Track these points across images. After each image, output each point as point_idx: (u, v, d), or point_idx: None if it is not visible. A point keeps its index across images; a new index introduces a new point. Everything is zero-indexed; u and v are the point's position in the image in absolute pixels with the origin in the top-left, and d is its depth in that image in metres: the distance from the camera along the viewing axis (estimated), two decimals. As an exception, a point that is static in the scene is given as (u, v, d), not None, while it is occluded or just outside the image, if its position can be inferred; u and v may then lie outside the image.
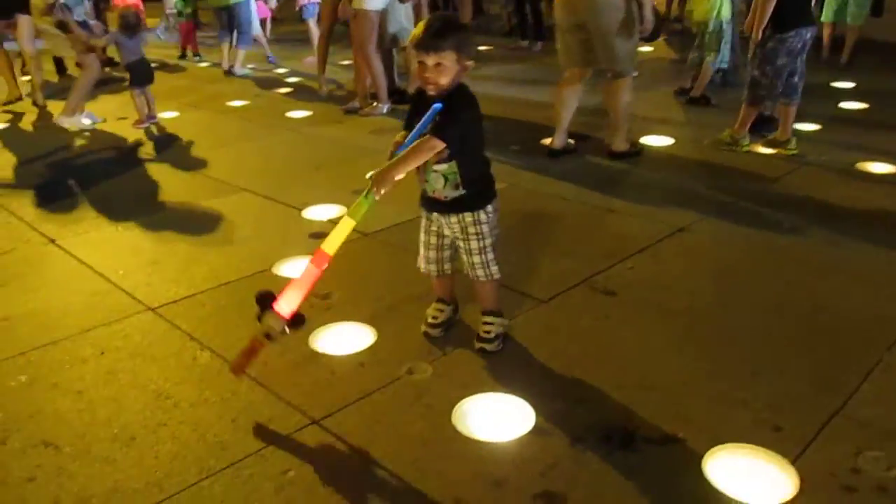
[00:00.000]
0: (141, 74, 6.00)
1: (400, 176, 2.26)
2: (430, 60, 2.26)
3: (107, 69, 8.94)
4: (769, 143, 4.90)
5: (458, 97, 2.34)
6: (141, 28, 6.16)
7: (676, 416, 2.21)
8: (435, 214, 2.54)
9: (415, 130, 2.31)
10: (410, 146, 2.28)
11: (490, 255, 2.53)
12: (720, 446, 2.06)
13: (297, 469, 2.03)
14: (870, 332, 2.66)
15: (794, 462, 2.00)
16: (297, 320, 2.30)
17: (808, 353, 2.54)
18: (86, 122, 6.16)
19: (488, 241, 2.51)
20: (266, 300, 2.30)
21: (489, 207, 2.49)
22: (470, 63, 2.33)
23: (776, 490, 1.92)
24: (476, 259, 2.53)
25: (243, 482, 1.99)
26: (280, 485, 1.97)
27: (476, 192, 2.46)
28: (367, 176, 2.28)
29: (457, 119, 2.31)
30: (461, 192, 2.43)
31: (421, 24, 2.32)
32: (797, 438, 2.10)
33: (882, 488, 1.91)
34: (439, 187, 2.43)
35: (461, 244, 2.54)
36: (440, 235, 2.58)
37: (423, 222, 2.61)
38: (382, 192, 2.23)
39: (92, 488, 1.98)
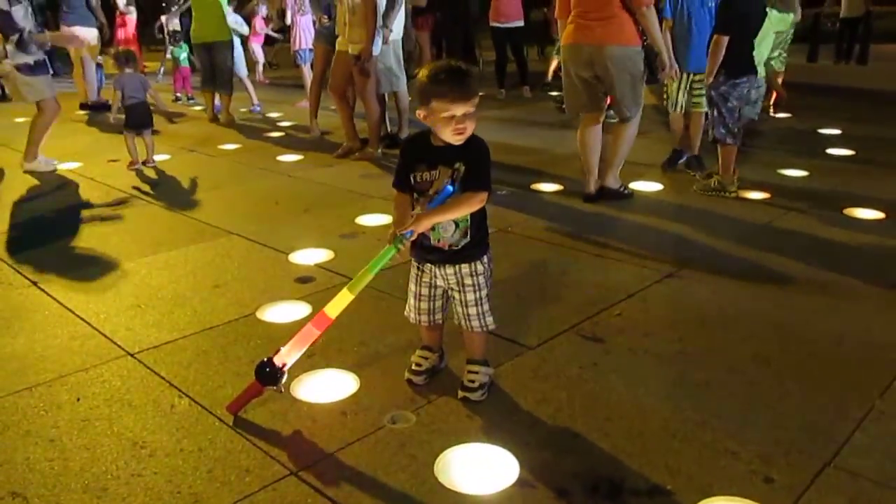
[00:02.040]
0: (137, 117, 6.00)
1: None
2: (465, 109, 2.23)
3: (81, 112, 9.04)
4: (705, 185, 5.04)
5: (477, 142, 2.35)
6: (136, 65, 6.16)
7: (665, 466, 2.15)
8: (428, 266, 2.49)
9: (434, 202, 2.31)
10: (459, 199, 2.29)
11: (486, 306, 2.49)
12: (709, 499, 2.01)
13: (272, 523, 1.96)
14: (861, 379, 2.62)
15: (785, 516, 1.95)
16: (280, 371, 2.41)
17: (800, 401, 2.50)
18: (51, 162, 6.15)
19: (484, 293, 2.47)
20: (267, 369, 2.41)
21: (485, 258, 2.46)
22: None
23: (767, 545, 1.86)
24: (472, 311, 2.49)
25: (216, 537, 1.92)
26: (254, 540, 1.90)
27: (478, 240, 2.43)
28: (391, 234, 2.33)
29: (486, 164, 2.35)
30: (467, 240, 2.40)
31: (442, 76, 2.24)
32: (789, 490, 2.04)
33: (876, 544, 1.86)
34: (447, 235, 2.38)
35: (456, 295, 2.50)
36: (433, 286, 2.53)
37: (414, 273, 2.55)
38: (412, 237, 2.30)
39: (59, 543, 1.91)
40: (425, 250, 2.45)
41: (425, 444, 2.28)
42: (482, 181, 2.32)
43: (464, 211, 2.33)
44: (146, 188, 5.53)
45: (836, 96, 9.09)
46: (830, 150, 6.18)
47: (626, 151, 4.88)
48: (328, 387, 2.64)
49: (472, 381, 2.53)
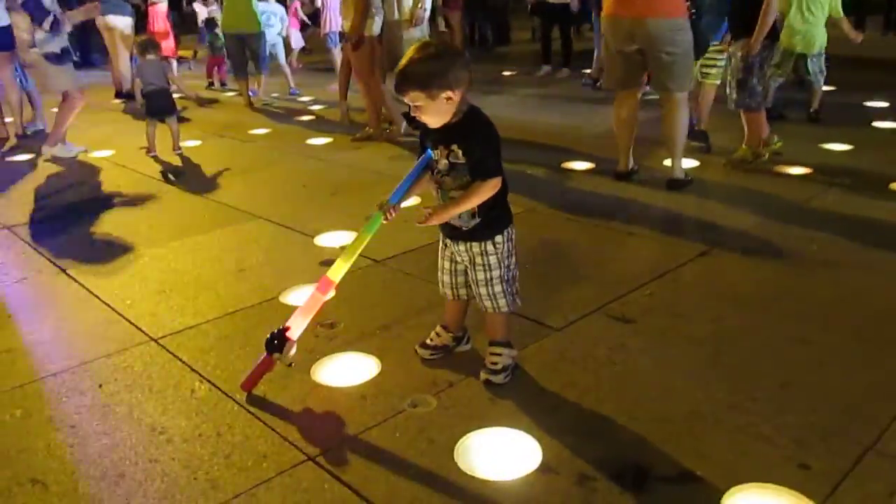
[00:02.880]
0: (156, 104, 5.98)
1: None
2: (410, 100, 2.23)
3: (117, 101, 9.14)
4: (740, 158, 4.90)
5: (471, 124, 2.27)
6: (157, 52, 6.15)
7: (695, 451, 2.06)
8: (448, 240, 2.47)
9: (406, 177, 2.36)
10: (469, 190, 2.26)
11: (497, 288, 2.41)
12: (741, 486, 1.91)
13: (288, 509, 1.92)
14: (906, 361, 2.49)
15: (822, 503, 1.84)
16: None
17: (840, 383, 2.38)
18: (73, 148, 6.22)
19: (495, 274, 2.40)
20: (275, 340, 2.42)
21: (498, 238, 2.38)
22: (452, 93, 2.18)
23: (803, 535, 1.76)
24: (482, 290, 2.43)
25: (231, 523, 1.89)
26: (269, 527, 1.87)
27: (489, 220, 2.36)
28: (378, 204, 2.34)
29: (486, 149, 2.26)
30: (477, 220, 2.34)
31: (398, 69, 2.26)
32: (826, 477, 1.94)
33: (921, 534, 1.75)
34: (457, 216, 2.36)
35: (469, 273, 2.45)
36: (453, 261, 2.50)
37: (440, 245, 2.54)
38: (397, 204, 2.34)
39: (75, 529, 1.90)
40: (447, 226, 2.42)
41: (445, 429, 2.22)
42: (484, 168, 2.25)
43: (476, 201, 2.27)
44: (176, 174, 5.54)
45: (883, 68, 8.75)
46: (877, 124, 5.94)
47: (685, 134, 4.58)
48: (349, 370, 2.59)
49: (495, 364, 2.46)
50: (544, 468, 2.04)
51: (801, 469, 1.98)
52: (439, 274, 2.57)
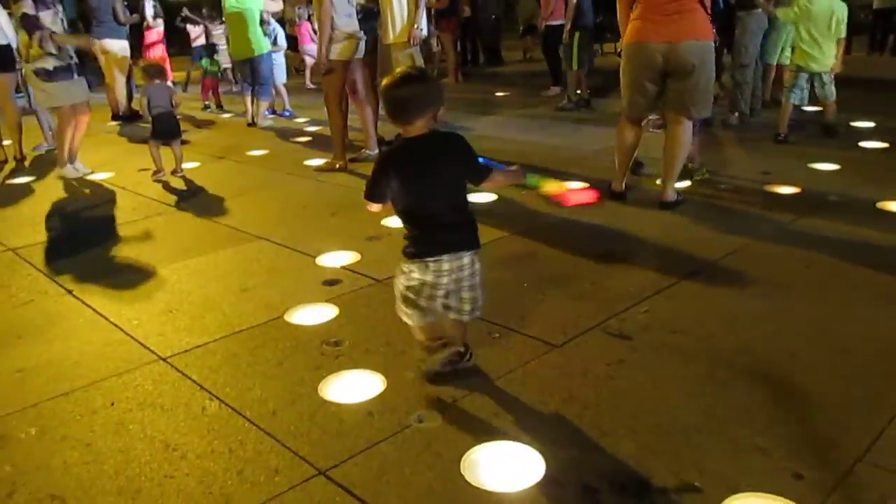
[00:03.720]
0: (163, 126, 6.08)
1: None
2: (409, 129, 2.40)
3: (113, 123, 9.21)
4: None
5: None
6: (163, 77, 6.26)
7: (693, 464, 2.14)
8: (451, 254, 2.47)
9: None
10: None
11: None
12: (737, 496, 1.99)
13: (301, 522, 1.99)
14: (894, 373, 2.58)
15: (816, 512, 1.93)
16: None
17: (831, 397, 2.46)
18: (80, 169, 6.29)
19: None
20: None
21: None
22: (438, 112, 2.44)
23: (798, 542, 1.84)
24: (476, 300, 2.60)
25: (247, 536, 1.95)
26: (284, 538, 1.93)
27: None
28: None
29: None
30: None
31: (385, 100, 2.41)
32: (819, 487, 2.02)
33: (910, 539, 1.83)
34: None
35: (459, 287, 2.54)
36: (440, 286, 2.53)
37: (428, 277, 2.49)
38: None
39: (95, 543, 1.96)
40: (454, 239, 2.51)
41: (452, 443, 2.29)
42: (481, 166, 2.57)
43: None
44: (177, 196, 5.61)
45: (869, 88, 8.92)
46: (863, 144, 6.08)
47: (684, 158, 4.68)
48: (355, 387, 2.66)
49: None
50: (549, 480, 2.11)
51: (794, 479, 2.06)
52: (425, 303, 2.53)
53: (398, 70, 2.53)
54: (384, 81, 2.44)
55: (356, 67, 6.19)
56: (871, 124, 6.72)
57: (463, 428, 2.38)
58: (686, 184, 5.03)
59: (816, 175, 5.23)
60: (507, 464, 2.19)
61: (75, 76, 6.15)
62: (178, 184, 6.00)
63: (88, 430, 2.50)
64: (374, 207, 2.52)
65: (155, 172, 6.09)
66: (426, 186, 2.41)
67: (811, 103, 6.39)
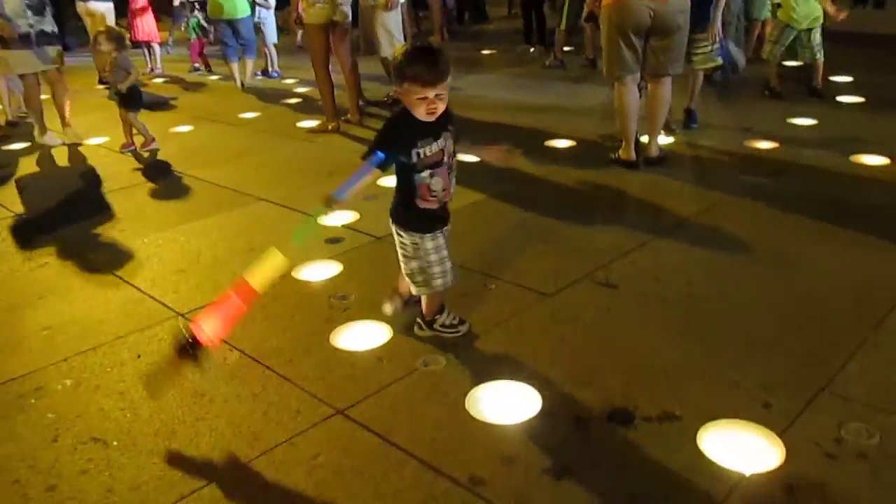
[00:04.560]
0: (131, 97, 5.95)
1: None
2: (437, 91, 2.40)
3: (100, 87, 9.19)
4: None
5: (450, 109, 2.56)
6: (125, 46, 6.10)
7: (673, 396, 2.39)
8: (441, 231, 2.67)
9: (356, 175, 2.49)
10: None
11: None
12: (714, 422, 2.24)
13: (325, 454, 2.22)
14: (857, 315, 2.83)
15: (781, 434, 2.18)
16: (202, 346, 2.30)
17: (798, 335, 2.72)
18: (53, 140, 6.33)
19: None
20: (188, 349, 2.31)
21: None
22: None
23: (765, 460, 2.09)
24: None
25: (277, 467, 2.18)
26: (311, 468, 2.16)
27: None
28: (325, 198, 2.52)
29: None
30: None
31: (414, 60, 2.39)
32: (785, 413, 2.27)
33: (862, 455, 2.09)
34: (443, 188, 2.61)
35: None
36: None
37: (435, 243, 2.64)
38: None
39: (141, 477, 2.18)
40: (440, 216, 2.66)
41: (456, 383, 2.52)
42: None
43: None
44: (174, 160, 5.73)
45: (850, 43, 9.05)
46: (840, 98, 6.28)
47: (665, 115, 4.89)
48: (364, 336, 2.88)
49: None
50: (544, 413, 2.35)
51: (764, 408, 2.31)
52: (447, 266, 2.67)
53: (417, 44, 2.61)
54: (405, 51, 2.45)
55: (338, 31, 6.19)
56: (849, 79, 6.92)
57: (465, 370, 2.61)
58: (670, 140, 5.23)
59: (794, 130, 5.44)
60: (506, 400, 2.43)
61: (34, 46, 6.06)
62: (173, 148, 6.09)
63: (119, 380, 2.71)
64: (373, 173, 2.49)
65: (144, 144, 6.02)
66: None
67: (792, 58, 6.53)
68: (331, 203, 2.48)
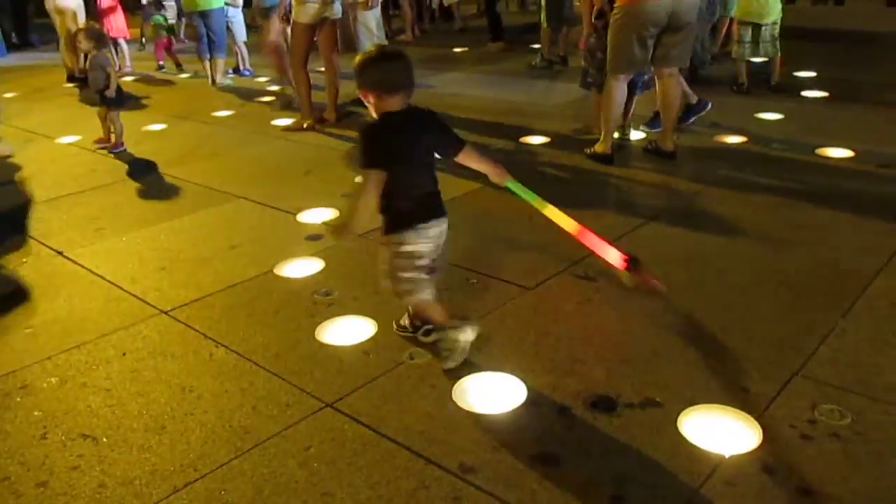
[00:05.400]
0: (119, 96, 5.91)
1: None
2: (400, 100, 2.45)
3: (69, 85, 9.08)
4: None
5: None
6: (105, 44, 6.03)
7: (654, 383, 2.46)
8: (438, 219, 2.58)
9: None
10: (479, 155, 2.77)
11: None
12: (693, 407, 2.32)
13: (316, 446, 2.26)
14: (827, 302, 2.93)
15: (758, 417, 2.26)
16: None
17: (773, 322, 2.81)
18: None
19: None
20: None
21: None
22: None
23: (743, 442, 2.17)
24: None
25: (269, 459, 2.21)
26: (303, 460, 2.20)
27: None
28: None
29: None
30: None
31: (376, 71, 2.43)
32: (761, 397, 2.36)
33: (835, 435, 2.18)
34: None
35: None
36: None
37: (417, 242, 2.54)
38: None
39: (133, 472, 2.20)
40: (439, 206, 2.60)
41: (442, 375, 2.57)
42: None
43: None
44: (149, 159, 5.70)
45: (812, 38, 9.28)
46: (805, 93, 6.43)
47: (679, 107, 5.01)
48: (349, 331, 2.92)
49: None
50: (529, 402, 2.41)
51: (741, 391, 2.40)
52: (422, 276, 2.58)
53: (378, 47, 2.65)
54: (363, 57, 2.48)
55: (325, 29, 6.20)
56: (812, 74, 7.08)
57: (451, 362, 2.66)
58: (641, 135, 5.33)
59: (762, 124, 5.57)
60: (493, 391, 2.49)
61: None
62: (148, 146, 6.05)
63: (105, 377, 2.72)
64: (375, 176, 2.41)
65: (114, 145, 5.90)
66: (415, 156, 2.53)
67: (757, 55, 6.66)
68: (346, 236, 2.49)
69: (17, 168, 5.68)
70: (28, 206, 4.75)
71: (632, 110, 5.27)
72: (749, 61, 6.52)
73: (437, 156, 2.64)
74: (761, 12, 6.30)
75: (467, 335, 2.58)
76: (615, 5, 4.61)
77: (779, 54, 6.47)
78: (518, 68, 8.60)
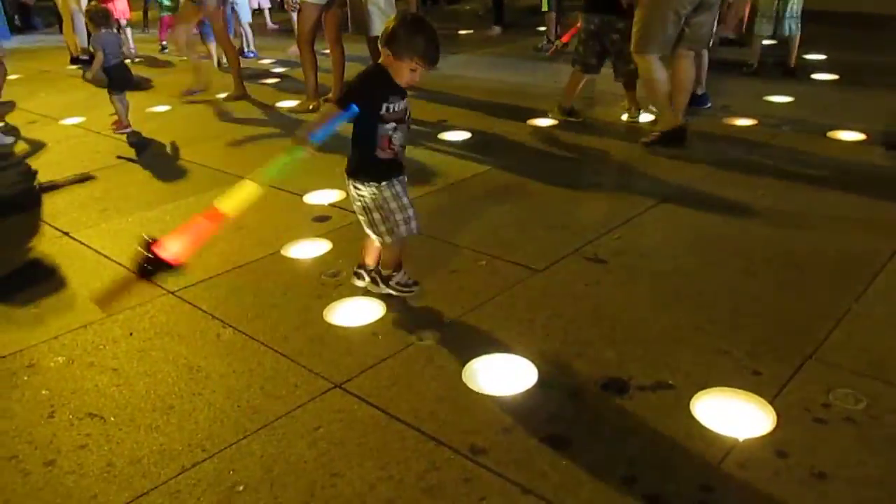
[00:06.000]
0: (121, 78, 5.87)
1: None
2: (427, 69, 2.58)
3: (72, 67, 9.02)
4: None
5: None
6: (110, 24, 6.01)
7: (666, 366, 2.44)
8: (398, 178, 2.77)
9: (332, 122, 2.64)
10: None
11: None
12: (706, 390, 2.30)
13: (326, 426, 2.24)
14: (840, 286, 2.90)
15: (771, 401, 2.24)
16: (165, 265, 2.40)
17: (785, 305, 2.78)
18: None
19: None
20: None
21: None
22: None
23: (756, 426, 2.15)
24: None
25: (278, 440, 2.20)
26: (312, 440, 2.18)
27: None
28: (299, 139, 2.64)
29: None
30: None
31: (422, 40, 2.54)
32: (774, 381, 2.33)
33: (850, 419, 2.15)
34: (401, 144, 2.75)
35: None
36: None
37: (400, 188, 2.76)
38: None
39: (141, 451, 2.18)
40: (400, 166, 2.78)
41: (452, 357, 2.55)
42: None
43: None
44: (154, 140, 5.66)
45: (822, 21, 9.17)
46: (815, 76, 6.37)
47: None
48: (358, 312, 2.90)
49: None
50: (541, 384, 2.39)
51: (754, 375, 2.37)
52: (411, 212, 2.77)
53: (418, 14, 2.72)
54: (403, 23, 2.56)
55: (334, 9, 6.15)
56: (822, 57, 7.02)
57: (460, 344, 2.64)
58: (650, 118, 5.28)
59: (771, 107, 5.52)
60: (503, 372, 2.47)
61: None
62: (153, 128, 6.02)
63: (112, 357, 2.70)
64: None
65: (119, 125, 5.89)
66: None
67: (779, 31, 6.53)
68: (306, 144, 2.60)
69: (21, 150, 5.64)
70: (33, 187, 4.72)
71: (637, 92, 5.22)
72: (762, 43, 6.43)
73: None
74: None
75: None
76: None
77: (798, 32, 6.35)
78: (524, 51, 8.53)
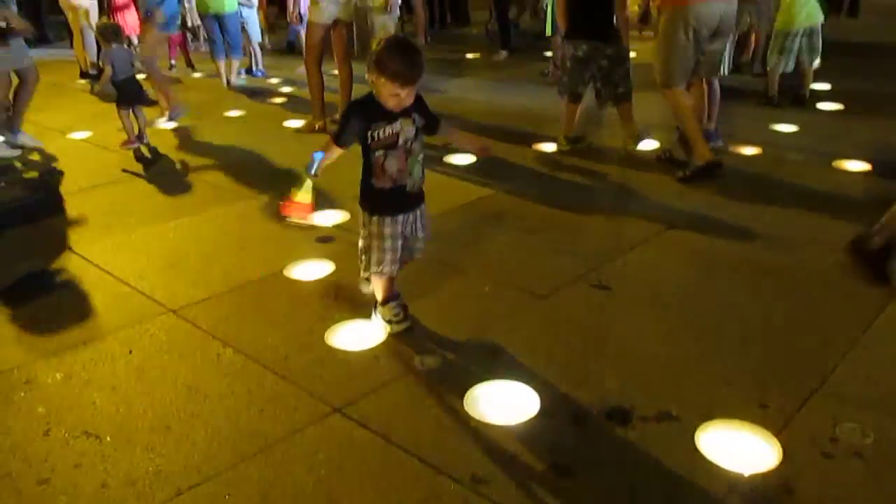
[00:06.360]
0: (129, 93, 5.84)
1: None
2: (409, 90, 2.53)
3: (82, 81, 9.05)
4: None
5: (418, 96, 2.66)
6: (121, 39, 6.03)
7: (670, 396, 2.41)
8: (401, 216, 2.71)
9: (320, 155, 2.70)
10: (456, 132, 3.01)
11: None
12: (711, 422, 2.27)
13: (325, 451, 2.21)
14: (848, 317, 2.87)
15: (777, 434, 2.20)
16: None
17: (792, 336, 2.75)
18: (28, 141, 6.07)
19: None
20: None
21: None
22: None
23: (762, 460, 2.12)
24: (422, 242, 2.86)
25: (277, 464, 2.16)
26: (311, 465, 2.15)
27: None
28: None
29: (426, 104, 2.73)
30: (423, 177, 2.77)
31: (395, 59, 2.48)
32: (781, 413, 2.30)
33: (858, 454, 2.12)
34: (418, 179, 2.72)
35: (412, 234, 2.79)
36: (404, 236, 2.75)
37: (388, 230, 2.69)
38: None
39: (136, 472, 2.15)
40: (404, 199, 2.71)
41: (454, 383, 2.52)
42: (433, 116, 2.76)
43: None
44: (159, 157, 5.66)
45: (825, 51, 9.22)
46: (820, 105, 6.37)
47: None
48: (359, 335, 2.87)
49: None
50: (543, 413, 2.36)
51: (760, 408, 2.34)
52: (391, 256, 2.71)
53: (400, 36, 2.70)
54: (383, 45, 2.53)
55: (339, 29, 6.17)
56: (827, 86, 7.01)
57: (463, 370, 2.61)
58: (656, 145, 5.27)
59: (776, 136, 5.51)
60: (505, 400, 2.44)
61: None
62: (160, 144, 6.02)
63: (111, 374, 2.68)
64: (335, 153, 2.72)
65: (126, 142, 5.82)
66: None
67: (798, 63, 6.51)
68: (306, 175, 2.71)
69: (28, 164, 5.65)
70: (36, 202, 4.72)
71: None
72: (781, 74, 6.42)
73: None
74: (807, 18, 6.16)
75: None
76: (669, 6, 4.37)
77: (818, 63, 6.34)
78: (528, 76, 8.55)
